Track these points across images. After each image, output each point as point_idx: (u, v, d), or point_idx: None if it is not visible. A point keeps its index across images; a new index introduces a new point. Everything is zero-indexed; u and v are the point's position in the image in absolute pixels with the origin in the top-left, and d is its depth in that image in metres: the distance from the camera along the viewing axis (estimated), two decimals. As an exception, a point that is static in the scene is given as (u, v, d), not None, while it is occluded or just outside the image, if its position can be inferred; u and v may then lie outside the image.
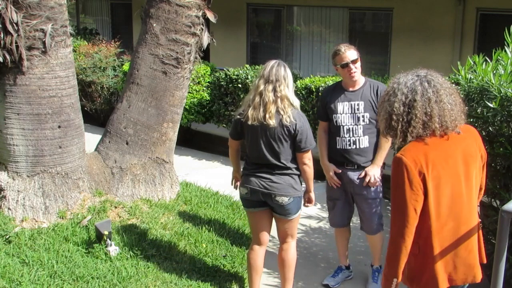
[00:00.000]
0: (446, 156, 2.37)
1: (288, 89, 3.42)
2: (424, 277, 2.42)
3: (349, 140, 3.81)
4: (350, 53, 3.75)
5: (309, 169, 3.54)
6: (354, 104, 3.81)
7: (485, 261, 2.56)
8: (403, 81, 2.42)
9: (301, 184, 3.62)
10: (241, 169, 3.69)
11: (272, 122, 3.35)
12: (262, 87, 3.39)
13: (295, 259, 3.73)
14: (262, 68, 3.52)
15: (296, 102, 3.47)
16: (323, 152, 3.95)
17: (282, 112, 3.36)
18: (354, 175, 3.85)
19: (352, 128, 3.81)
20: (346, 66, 3.74)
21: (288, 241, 3.69)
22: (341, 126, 3.83)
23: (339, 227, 4.11)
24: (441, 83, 2.40)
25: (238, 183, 3.74)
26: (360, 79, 3.84)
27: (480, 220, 2.56)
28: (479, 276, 2.44)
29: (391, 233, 2.40)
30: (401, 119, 2.37)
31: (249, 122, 3.41)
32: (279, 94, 3.37)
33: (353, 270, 4.30)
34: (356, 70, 3.78)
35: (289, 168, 3.49)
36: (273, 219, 3.71)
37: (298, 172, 3.55)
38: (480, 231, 2.53)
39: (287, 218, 3.59)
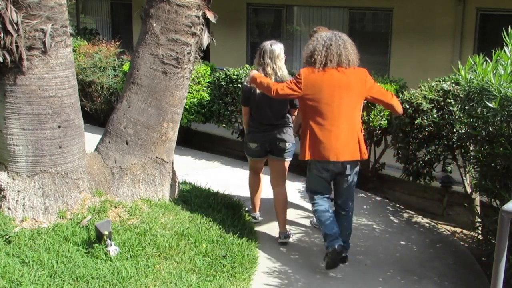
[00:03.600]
0: (330, 78, 4.00)
1: (278, 66, 4.53)
2: (301, 151, 4.14)
3: None
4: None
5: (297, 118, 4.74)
6: None
7: (365, 157, 4.15)
8: (324, 34, 4.13)
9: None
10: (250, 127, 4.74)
11: None
12: (260, 69, 4.54)
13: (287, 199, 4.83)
14: (258, 49, 4.61)
15: (288, 73, 4.65)
16: None
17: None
18: None
19: None
20: None
21: (281, 185, 4.79)
22: None
23: None
24: (347, 39, 4.08)
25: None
26: None
27: (363, 133, 4.33)
28: (342, 158, 4.04)
29: (272, 88, 4.15)
30: (320, 54, 4.01)
31: (258, 91, 4.52)
32: (270, 72, 4.50)
33: (353, 270, 4.31)
34: None
35: (287, 122, 4.68)
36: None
37: (291, 125, 4.71)
38: (361, 138, 4.13)
39: (284, 159, 4.74)
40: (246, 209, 5.23)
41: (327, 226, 4.16)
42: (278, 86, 4.13)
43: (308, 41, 4.29)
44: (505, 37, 3.91)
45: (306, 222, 5.19)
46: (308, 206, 5.57)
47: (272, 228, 5.01)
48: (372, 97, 4.16)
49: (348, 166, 4.11)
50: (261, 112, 4.62)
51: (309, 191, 4.37)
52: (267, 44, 4.59)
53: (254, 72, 4.46)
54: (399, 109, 4.25)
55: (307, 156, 4.08)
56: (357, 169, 4.23)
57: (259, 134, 4.68)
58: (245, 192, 5.87)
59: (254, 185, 5.08)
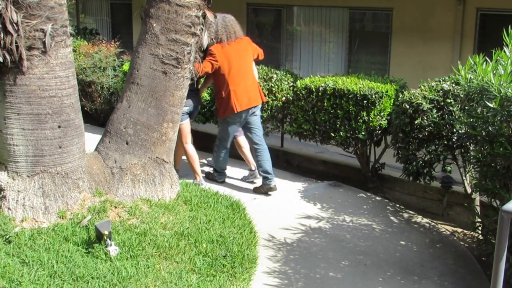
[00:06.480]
0: (233, 49, 5.49)
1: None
2: (228, 108, 5.56)
3: None
4: None
5: None
6: None
7: (264, 100, 5.92)
8: (218, 18, 5.26)
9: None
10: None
11: None
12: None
13: None
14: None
15: None
16: None
17: None
18: None
19: None
20: None
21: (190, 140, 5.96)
22: None
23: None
24: (234, 20, 5.59)
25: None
26: None
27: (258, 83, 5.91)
28: (253, 104, 5.67)
29: (200, 70, 5.33)
30: (222, 33, 5.46)
31: None
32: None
33: (353, 270, 4.31)
34: None
35: None
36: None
37: None
38: (259, 86, 5.82)
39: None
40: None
41: (221, 175, 6.12)
42: (203, 67, 5.35)
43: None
44: (505, 37, 3.91)
45: (306, 222, 5.19)
46: (307, 205, 5.57)
47: (272, 228, 5.01)
48: (254, 55, 5.77)
49: (258, 107, 5.74)
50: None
51: (220, 145, 5.85)
52: None
53: None
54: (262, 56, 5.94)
55: (237, 110, 5.51)
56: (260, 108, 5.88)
57: (195, 98, 5.80)
58: (245, 192, 5.87)
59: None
